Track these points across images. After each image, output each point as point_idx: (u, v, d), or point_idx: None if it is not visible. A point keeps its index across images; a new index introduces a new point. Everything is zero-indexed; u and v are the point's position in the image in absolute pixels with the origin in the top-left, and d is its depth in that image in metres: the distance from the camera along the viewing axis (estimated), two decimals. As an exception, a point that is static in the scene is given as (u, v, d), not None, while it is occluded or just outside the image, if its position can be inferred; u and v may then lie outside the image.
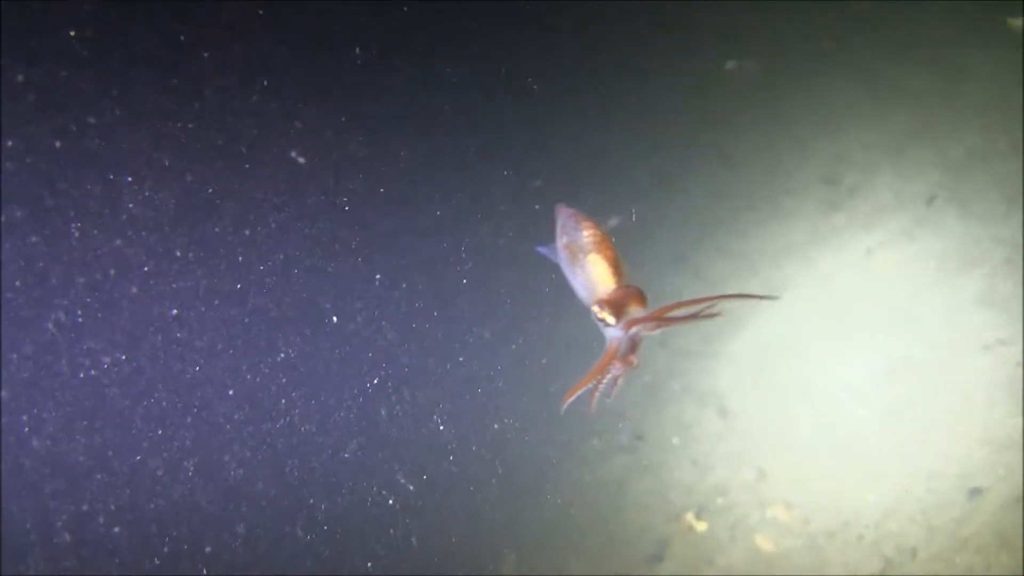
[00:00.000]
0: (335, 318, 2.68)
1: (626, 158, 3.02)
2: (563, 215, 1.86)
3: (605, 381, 1.64)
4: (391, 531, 3.03)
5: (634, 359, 1.65)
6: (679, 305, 1.63)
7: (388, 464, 3.03)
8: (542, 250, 1.90)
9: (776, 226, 3.28)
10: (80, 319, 2.40)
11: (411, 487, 3.03)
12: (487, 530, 3.13)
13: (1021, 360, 3.45)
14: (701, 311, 1.64)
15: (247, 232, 2.61)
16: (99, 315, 2.39)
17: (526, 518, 3.18)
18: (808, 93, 3.24)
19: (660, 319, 1.62)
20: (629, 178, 3.05)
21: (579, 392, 1.62)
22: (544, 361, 3.05)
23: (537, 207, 2.91)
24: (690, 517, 3.41)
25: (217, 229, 2.52)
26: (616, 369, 1.64)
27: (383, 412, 3.00)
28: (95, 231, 2.37)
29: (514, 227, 2.90)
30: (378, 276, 2.70)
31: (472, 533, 3.12)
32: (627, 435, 3.25)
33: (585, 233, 1.76)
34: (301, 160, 2.64)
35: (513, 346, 3.07)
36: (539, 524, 3.22)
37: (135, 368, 2.51)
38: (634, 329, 1.60)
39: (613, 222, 1.89)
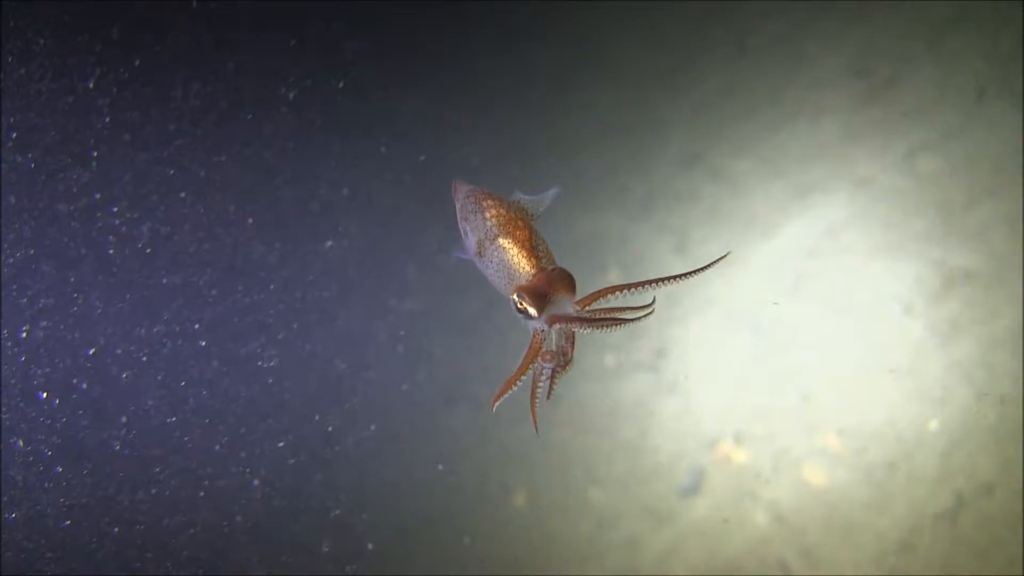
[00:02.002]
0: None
1: (625, 53, 2.88)
2: (460, 195, 1.61)
3: (542, 379, 1.45)
4: (398, 463, 2.90)
5: (569, 351, 1.45)
6: (611, 291, 1.45)
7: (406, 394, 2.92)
8: (460, 255, 1.64)
9: (803, 123, 3.05)
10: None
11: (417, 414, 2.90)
12: (494, 460, 2.95)
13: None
14: (634, 307, 1.46)
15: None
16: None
17: (536, 446, 2.98)
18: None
19: (590, 319, 1.41)
20: (629, 74, 2.90)
21: (509, 392, 1.44)
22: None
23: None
24: (728, 445, 3.13)
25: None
26: (547, 363, 1.44)
27: (400, 349, 2.90)
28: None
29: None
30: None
31: (479, 463, 2.95)
32: (647, 351, 3.03)
33: (488, 215, 1.52)
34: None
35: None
36: (552, 452, 3.01)
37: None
38: (560, 325, 1.41)
39: (519, 195, 1.59)
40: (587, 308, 1.45)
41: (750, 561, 3.11)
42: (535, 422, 1.47)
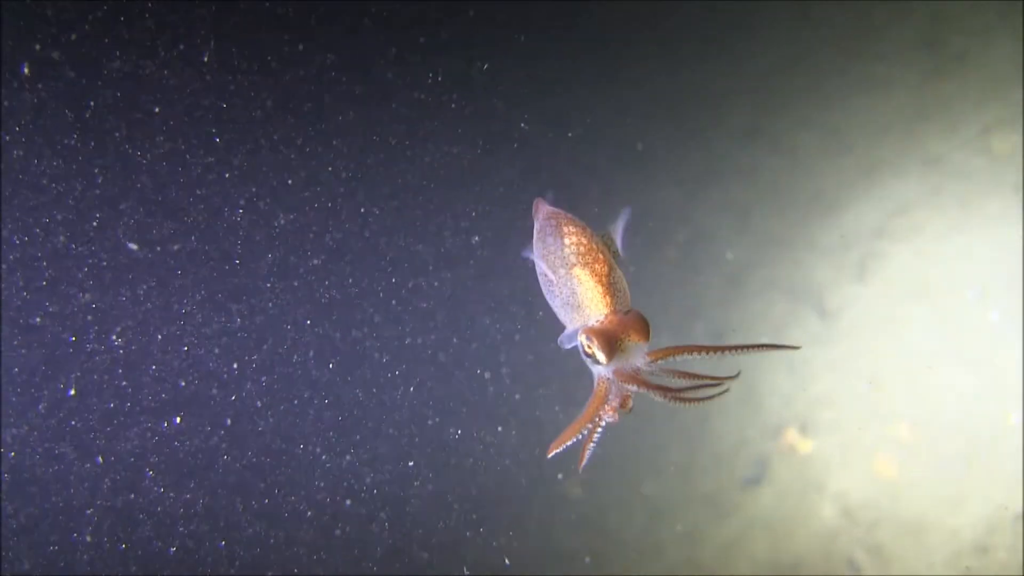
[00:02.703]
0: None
1: (683, 24, 2.80)
2: (542, 215, 1.49)
3: (600, 426, 1.37)
4: (450, 456, 2.80)
5: (629, 403, 1.36)
6: (686, 350, 1.35)
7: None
8: (529, 255, 1.52)
9: (870, 97, 2.94)
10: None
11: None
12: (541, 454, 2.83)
13: None
14: (707, 377, 1.34)
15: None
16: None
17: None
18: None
19: (662, 387, 1.31)
20: (686, 46, 2.82)
21: (567, 443, 1.37)
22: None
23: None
24: (792, 434, 2.99)
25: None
26: (608, 416, 1.36)
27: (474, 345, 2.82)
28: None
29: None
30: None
31: (534, 453, 2.84)
32: (706, 333, 2.91)
33: (567, 241, 1.40)
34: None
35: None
36: (609, 440, 2.89)
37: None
38: (629, 385, 1.32)
39: (607, 231, 1.50)
40: (657, 362, 1.36)
41: (816, 557, 2.95)
42: (582, 463, 1.39)
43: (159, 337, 2.21)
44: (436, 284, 2.52)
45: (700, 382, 1.33)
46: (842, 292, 2.98)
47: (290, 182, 2.34)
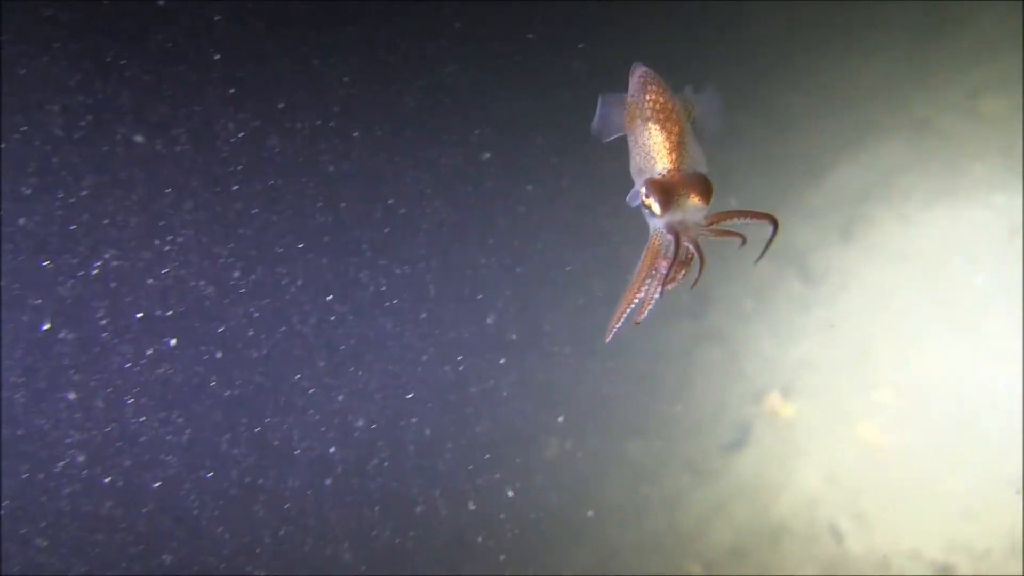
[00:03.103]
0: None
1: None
2: (636, 73, 1.55)
3: (655, 288, 1.36)
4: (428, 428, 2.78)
5: (686, 269, 1.36)
6: (742, 214, 1.36)
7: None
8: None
9: (856, 58, 2.92)
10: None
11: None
12: (529, 404, 2.82)
13: None
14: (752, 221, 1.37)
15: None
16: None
17: (573, 392, 2.85)
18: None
19: (719, 230, 1.34)
20: (672, 6, 2.82)
21: (626, 312, 1.37)
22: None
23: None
24: (775, 398, 2.96)
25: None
26: (664, 270, 1.34)
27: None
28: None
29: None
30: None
31: (514, 407, 2.83)
32: (688, 296, 2.89)
33: (648, 97, 1.45)
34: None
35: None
36: (589, 399, 2.88)
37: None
38: (684, 239, 1.32)
39: (688, 91, 1.51)
40: (714, 225, 1.35)
41: (799, 524, 2.92)
42: (613, 327, 1.39)
43: (142, 261, 2.22)
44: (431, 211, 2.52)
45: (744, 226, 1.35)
46: (826, 256, 2.95)
47: (281, 105, 2.35)
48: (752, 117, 2.88)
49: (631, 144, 1.45)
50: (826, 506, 2.92)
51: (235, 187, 2.29)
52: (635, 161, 1.43)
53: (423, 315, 2.60)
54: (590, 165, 2.78)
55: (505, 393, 2.82)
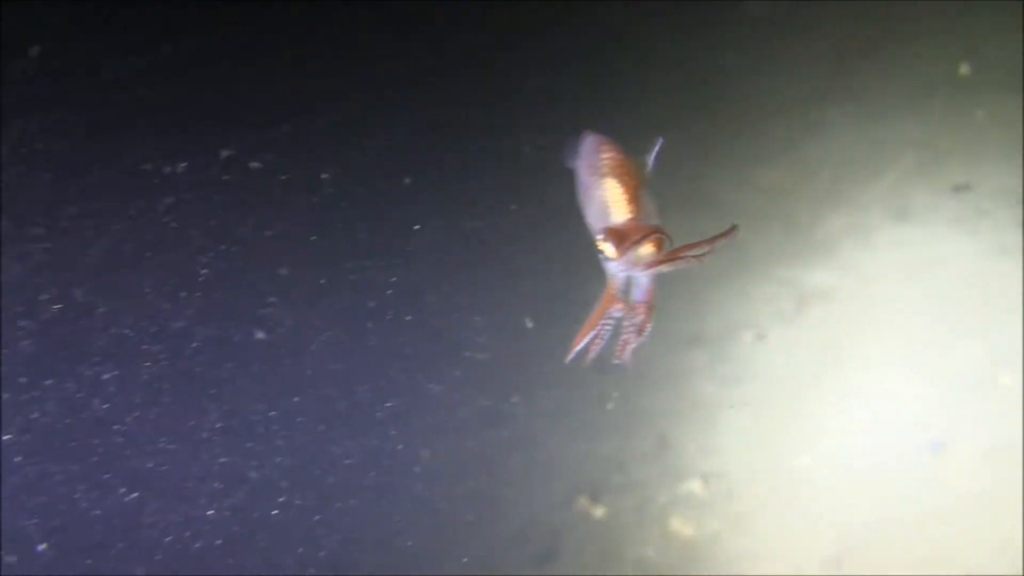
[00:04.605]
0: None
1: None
2: (588, 140, 1.74)
3: (609, 331, 1.56)
4: None
5: (642, 308, 1.53)
6: (689, 248, 1.50)
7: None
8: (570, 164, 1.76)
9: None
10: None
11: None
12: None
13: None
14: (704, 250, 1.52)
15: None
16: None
17: (378, 527, 2.64)
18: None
19: (665, 259, 1.48)
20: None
21: (585, 340, 1.56)
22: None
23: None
24: (584, 501, 2.83)
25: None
26: (620, 313, 1.53)
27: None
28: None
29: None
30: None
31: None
32: (490, 395, 2.74)
33: (604, 156, 1.64)
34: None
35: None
36: (390, 525, 2.68)
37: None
38: (635, 270, 1.48)
39: (648, 155, 1.68)
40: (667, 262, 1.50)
41: (620, 629, 2.78)
42: (575, 346, 1.57)
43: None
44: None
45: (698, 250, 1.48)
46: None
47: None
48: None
49: (587, 201, 1.62)
50: (645, 607, 2.80)
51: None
52: (592, 214, 1.59)
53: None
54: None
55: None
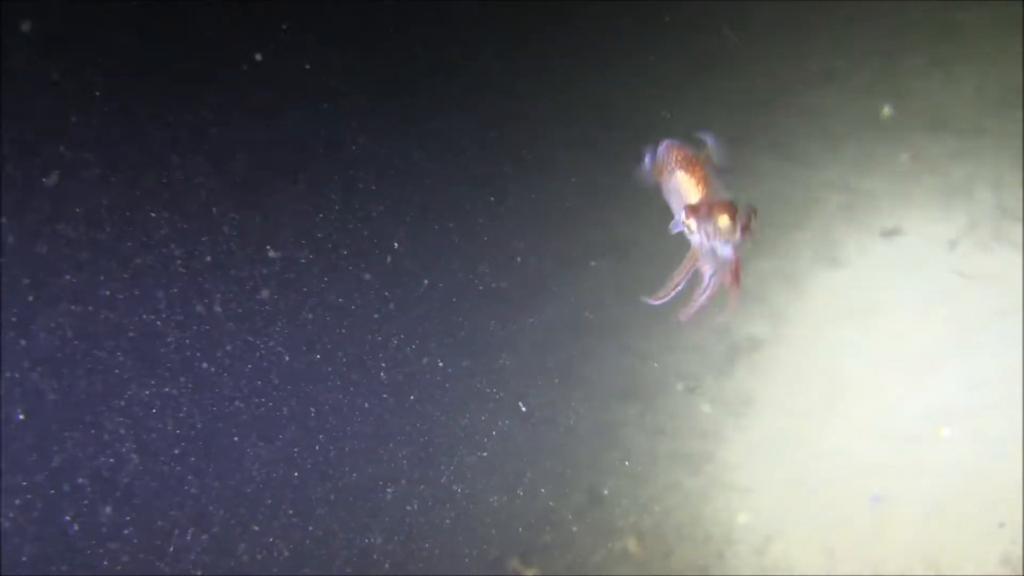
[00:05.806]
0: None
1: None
2: (662, 144, 1.95)
3: (704, 292, 1.73)
4: None
5: (728, 275, 1.70)
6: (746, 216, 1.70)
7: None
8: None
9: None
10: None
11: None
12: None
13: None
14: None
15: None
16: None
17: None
18: None
19: (738, 226, 1.67)
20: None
21: (672, 292, 1.77)
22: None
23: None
24: (515, 562, 2.72)
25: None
26: (709, 275, 1.71)
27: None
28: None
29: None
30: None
31: None
32: (404, 456, 2.65)
33: (674, 154, 1.86)
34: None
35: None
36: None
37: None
38: (717, 240, 1.66)
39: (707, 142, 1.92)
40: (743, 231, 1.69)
41: None
42: (668, 292, 1.77)
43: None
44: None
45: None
46: (549, 398, 2.80)
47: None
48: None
49: (666, 192, 1.87)
50: (581, 673, 2.67)
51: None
52: (674, 203, 1.81)
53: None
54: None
55: None
